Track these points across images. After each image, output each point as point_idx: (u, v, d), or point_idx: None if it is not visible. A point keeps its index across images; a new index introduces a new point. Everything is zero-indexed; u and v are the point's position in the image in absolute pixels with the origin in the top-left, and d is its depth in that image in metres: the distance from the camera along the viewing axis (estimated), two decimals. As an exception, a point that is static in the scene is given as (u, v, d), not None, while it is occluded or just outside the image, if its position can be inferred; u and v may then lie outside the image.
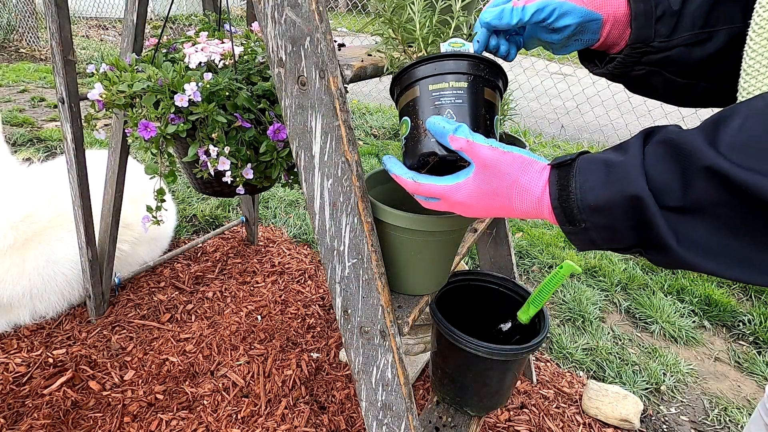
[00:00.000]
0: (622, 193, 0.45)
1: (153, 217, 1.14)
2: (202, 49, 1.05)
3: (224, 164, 0.97)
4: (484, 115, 0.61)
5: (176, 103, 0.93)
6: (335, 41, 0.79)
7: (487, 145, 0.54)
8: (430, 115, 0.60)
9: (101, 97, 0.99)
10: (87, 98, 1.05)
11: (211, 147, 0.96)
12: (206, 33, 1.20)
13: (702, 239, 0.42)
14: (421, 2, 0.66)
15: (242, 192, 1.08)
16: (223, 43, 1.13)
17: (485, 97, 0.61)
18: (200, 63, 1.03)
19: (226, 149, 0.97)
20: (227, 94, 0.97)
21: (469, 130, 0.56)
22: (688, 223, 0.43)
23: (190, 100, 0.93)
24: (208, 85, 0.95)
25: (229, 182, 1.01)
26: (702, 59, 0.61)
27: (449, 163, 0.60)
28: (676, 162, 0.43)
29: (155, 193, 1.13)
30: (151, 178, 1.08)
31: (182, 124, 0.96)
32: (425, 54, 0.68)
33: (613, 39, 0.63)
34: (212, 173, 1.00)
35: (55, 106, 4.00)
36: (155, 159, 1.06)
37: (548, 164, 0.52)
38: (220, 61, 1.04)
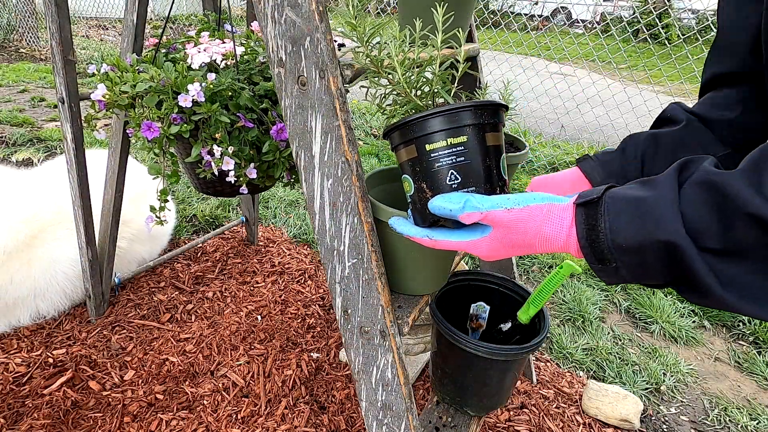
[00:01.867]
0: (656, 236, 0.44)
1: (156, 217, 1.14)
2: (204, 50, 1.05)
3: (228, 164, 0.98)
4: (489, 165, 0.57)
5: (180, 104, 0.93)
6: (335, 41, 0.79)
7: (502, 210, 0.52)
8: (433, 183, 0.57)
9: (104, 97, 0.99)
10: (88, 98, 1.05)
11: (215, 147, 0.96)
12: (207, 33, 1.20)
13: (743, 281, 0.42)
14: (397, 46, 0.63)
15: (245, 191, 1.08)
16: (224, 43, 1.13)
17: (488, 144, 0.58)
18: (202, 63, 1.03)
19: (230, 149, 0.97)
20: (230, 94, 0.97)
21: (477, 200, 0.53)
22: (728, 265, 0.42)
23: (193, 100, 0.93)
24: (211, 86, 0.95)
25: (233, 182, 1.01)
26: None
27: None
28: (716, 205, 0.42)
29: (158, 194, 1.13)
30: (154, 179, 1.09)
31: (185, 125, 0.96)
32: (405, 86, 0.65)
33: None
34: (216, 173, 1.00)
35: (55, 106, 4.00)
36: (157, 159, 1.07)
37: (572, 202, 0.51)
38: (221, 62, 1.04)
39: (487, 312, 1.04)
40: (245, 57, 1.07)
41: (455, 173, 0.57)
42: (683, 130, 0.70)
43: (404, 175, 0.62)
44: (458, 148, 0.56)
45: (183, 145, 1.07)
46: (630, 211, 0.46)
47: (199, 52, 1.04)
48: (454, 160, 0.57)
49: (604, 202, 0.48)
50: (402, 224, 0.62)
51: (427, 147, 0.57)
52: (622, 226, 0.45)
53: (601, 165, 0.72)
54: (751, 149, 0.64)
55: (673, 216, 0.43)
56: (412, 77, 0.65)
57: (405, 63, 0.64)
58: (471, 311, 1.05)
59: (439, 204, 0.55)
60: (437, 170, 0.57)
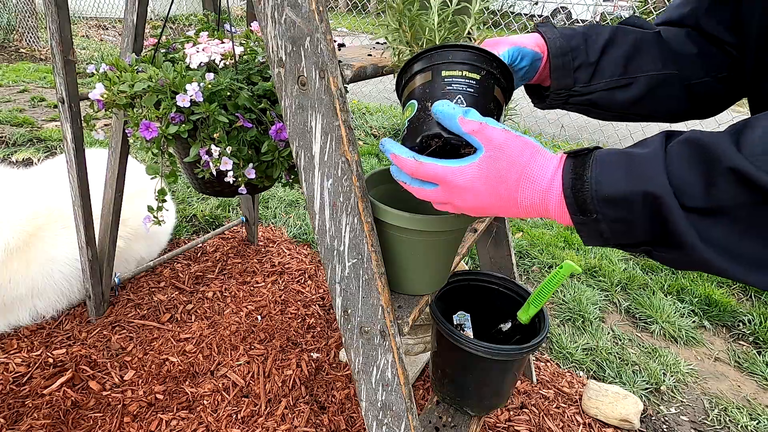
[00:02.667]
0: (641, 188, 0.44)
1: (154, 217, 1.14)
2: (203, 50, 1.05)
3: (227, 164, 0.97)
4: (492, 110, 0.59)
5: (178, 103, 0.93)
6: (335, 41, 0.79)
7: (500, 128, 0.52)
8: (441, 99, 0.58)
9: (102, 97, 0.99)
10: (87, 98, 1.05)
11: (213, 147, 0.96)
12: (207, 33, 1.20)
13: (722, 240, 0.42)
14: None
15: (244, 192, 1.08)
16: (223, 43, 1.13)
17: (494, 95, 0.60)
18: (201, 63, 1.03)
19: (228, 149, 0.97)
20: (228, 94, 0.97)
21: (479, 115, 0.54)
22: (708, 224, 0.43)
23: (192, 100, 0.93)
24: (209, 86, 0.95)
25: (231, 182, 1.01)
26: (626, 100, 0.71)
27: (453, 149, 0.57)
28: (700, 162, 0.43)
29: (156, 194, 1.13)
30: (152, 179, 1.08)
31: (183, 125, 0.96)
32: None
33: (546, 75, 0.74)
34: (214, 173, 1.00)
35: (55, 106, 4.00)
36: (156, 159, 1.06)
37: (563, 153, 0.51)
38: (220, 61, 1.04)
39: (469, 319, 1.05)
40: (245, 57, 1.07)
41: (462, 98, 0.58)
42: (652, 35, 0.72)
43: (410, 101, 0.62)
44: (471, 81, 0.59)
45: (182, 145, 1.07)
46: (618, 164, 0.46)
47: (198, 51, 1.04)
48: (464, 89, 0.59)
49: (594, 155, 0.48)
50: (392, 144, 0.61)
51: (444, 73, 0.60)
52: (609, 178, 0.46)
53: (562, 36, 0.72)
54: (690, 86, 0.71)
55: (660, 170, 0.44)
56: (443, 34, 0.67)
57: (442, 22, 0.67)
58: (455, 322, 1.05)
59: (445, 103, 0.55)
60: (447, 92, 0.59)
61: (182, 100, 0.93)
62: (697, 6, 0.70)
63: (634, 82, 0.70)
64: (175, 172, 1.10)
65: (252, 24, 1.26)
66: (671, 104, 0.73)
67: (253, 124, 1.00)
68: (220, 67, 1.04)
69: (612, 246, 0.49)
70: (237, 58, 1.05)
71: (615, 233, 0.47)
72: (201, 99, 0.93)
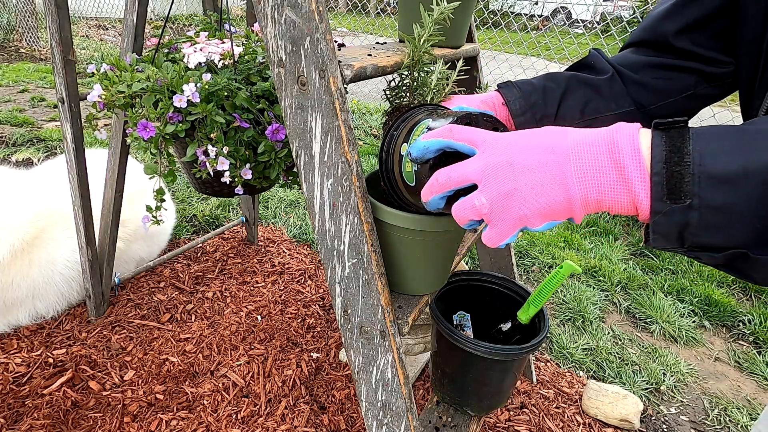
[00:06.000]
0: (763, 163, 0.35)
1: (153, 217, 1.14)
2: (201, 50, 1.05)
3: (223, 164, 0.97)
4: None
5: (175, 104, 0.93)
6: (335, 41, 0.79)
7: None
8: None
9: (101, 98, 0.99)
10: (87, 99, 1.05)
11: (209, 147, 0.96)
12: (206, 33, 1.20)
13: None
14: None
15: (241, 192, 1.07)
16: (223, 43, 1.13)
17: None
18: (199, 63, 1.02)
19: (225, 149, 0.97)
20: (226, 94, 0.97)
21: None
22: None
23: (188, 100, 0.93)
24: (206, 86, 0.94)
25: (228, 182, 1.01)
26: None
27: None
28: None
29: (155, 193, 1.13)
30: (150, 178, 1.08)
31: (181, 124, 0.96)
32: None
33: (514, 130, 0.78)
34: (211, 173, 1.00)
35: (55, 106, 4.00)
36: (154, 159, 1.06)
37: (638, 127, 0.44)
38: (219, 61, 1.04)
39: (469, 319, 1.06)
40: (244, 57, 1.07)
41: None
42: (605, 80, 0.75)
43: (418, 125, 0.66)
44: None
45: (180, 145, 1.07)
46: (728, 137, 0.38)
47: (195, 51, 1.04)
48: None
49: (690, 129, 0.39)
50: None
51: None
52: (718, 150, 0.37)
53: (522, 96, 0.75)
54: (651, 110, 0.74)
55: None
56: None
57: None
58: (455, 322, 1.06)
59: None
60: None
61: (179, 101, 0.93)
62: (666, 27, 0.72)
63: (593, 123, 0.75)
64: (174, 172, 1.10)
65: (254, 25, 1.26)
66: None
67: (251, 124, 1.00)
68: (219, 67, 1.04)
69: (685, 249, 0.39)
70: (236, 58, 1.05)
71: (706, 226, 0.38)
72: (198, 99, 0.93)
